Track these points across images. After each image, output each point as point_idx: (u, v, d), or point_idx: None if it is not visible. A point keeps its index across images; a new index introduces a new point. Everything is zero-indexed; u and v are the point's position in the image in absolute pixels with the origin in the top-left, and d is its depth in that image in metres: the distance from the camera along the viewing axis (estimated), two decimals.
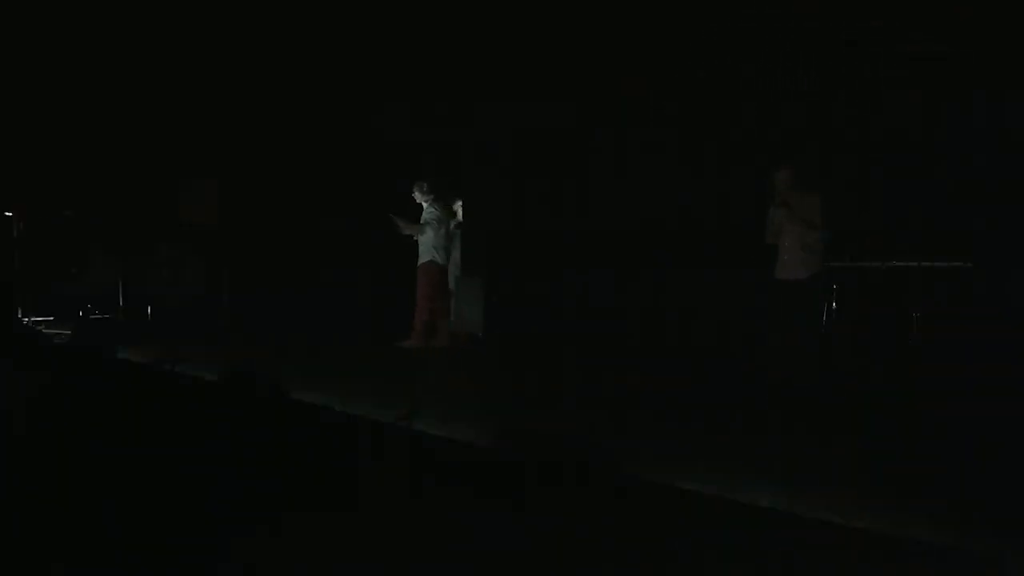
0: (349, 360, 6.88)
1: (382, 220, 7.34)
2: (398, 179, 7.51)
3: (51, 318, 9.12)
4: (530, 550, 2.12)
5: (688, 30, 7.16)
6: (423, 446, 3.27)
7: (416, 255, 7.27)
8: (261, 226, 10.31)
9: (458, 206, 7.98)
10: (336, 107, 9.71)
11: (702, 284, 7.42)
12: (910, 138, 6.24)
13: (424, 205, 7.29)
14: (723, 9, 6.94)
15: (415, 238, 7.24)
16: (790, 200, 5.41)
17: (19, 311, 8.91)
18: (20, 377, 4.56)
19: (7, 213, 9.05)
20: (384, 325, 7.49)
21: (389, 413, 3.72)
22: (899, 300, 6.17)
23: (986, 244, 5.81)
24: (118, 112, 9.53)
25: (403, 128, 9.05)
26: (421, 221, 7.22)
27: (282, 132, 9.94)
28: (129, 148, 9.71)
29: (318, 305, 9.74)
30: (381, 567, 2.17)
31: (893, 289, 6.24)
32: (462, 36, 8.32)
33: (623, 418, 4.43)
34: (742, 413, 4.60)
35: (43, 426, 3.69)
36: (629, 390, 5.46)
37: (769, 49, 6.73)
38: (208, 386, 4.37)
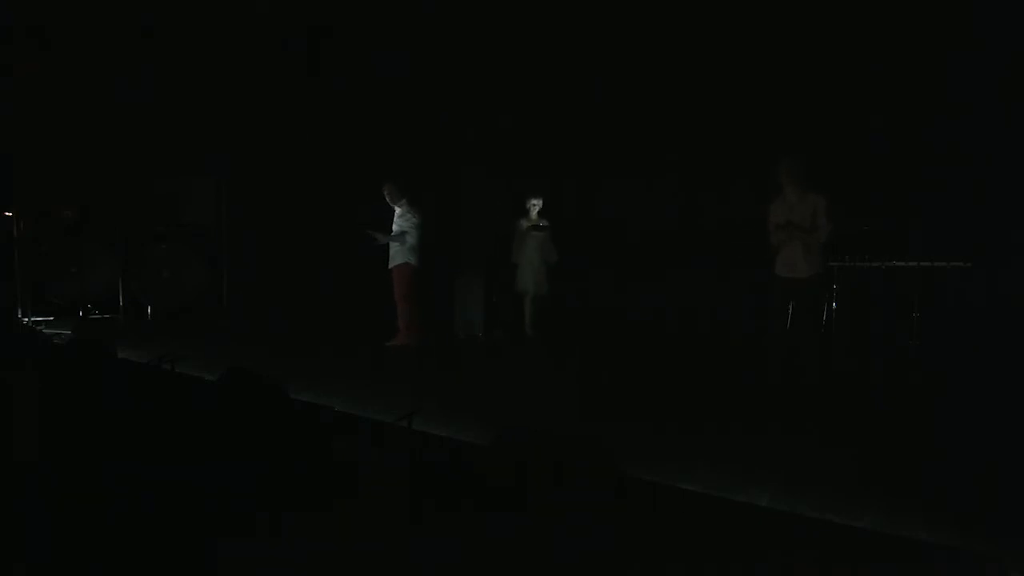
0: (349, 360, 6.88)
1: (362, 232, 7.34)
2: (396, 178, 7.49)
3: (51, 318, 9.12)
4: (530, 550, 2.12)
5: (688, 29, 7.15)
6: (423, 446, 3.27)
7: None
8: (261, 225, 10.30)
9: (533, 205, 7.73)
10: (335, 106, 9.71)
11: (702, 283, 7.42)
12: (910, 137, 6.24)
13: (396, 209, 7.27)
14: (724, 8, 6.94)
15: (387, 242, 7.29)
16: (791, 197, 5.40)
17: (19, 311, 8.90)
18: (20, 377, 4.56)
19: (7, 213, 9.04)
20: (384, 325, 7.49)
21: (389, 413, 3.71)
22: (899, 300, 6.17)
23: (986, 244, 5.81)
24: (118, 112, 9.53)
25: (402, 127, 9.05)
26: (396, 228, 7.21)
27: (282, 132, 9.93)
28: (129, 148, 9.70)
29: (318, 305, 9.74)
30: (382, 568, 2.17)
31: (893, 289, 6.24)
32: (461, 34, 8.32)
33: (623, 417, 4.43)
34: (742, 413, 4.60)
35: (43, 426, 3.69)
36: (629, 389, 5.46)
37: (769, 48, 6.73)
38: (208, 386, 4.37)
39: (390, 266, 7.25)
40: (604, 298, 8.15)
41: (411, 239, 7.17)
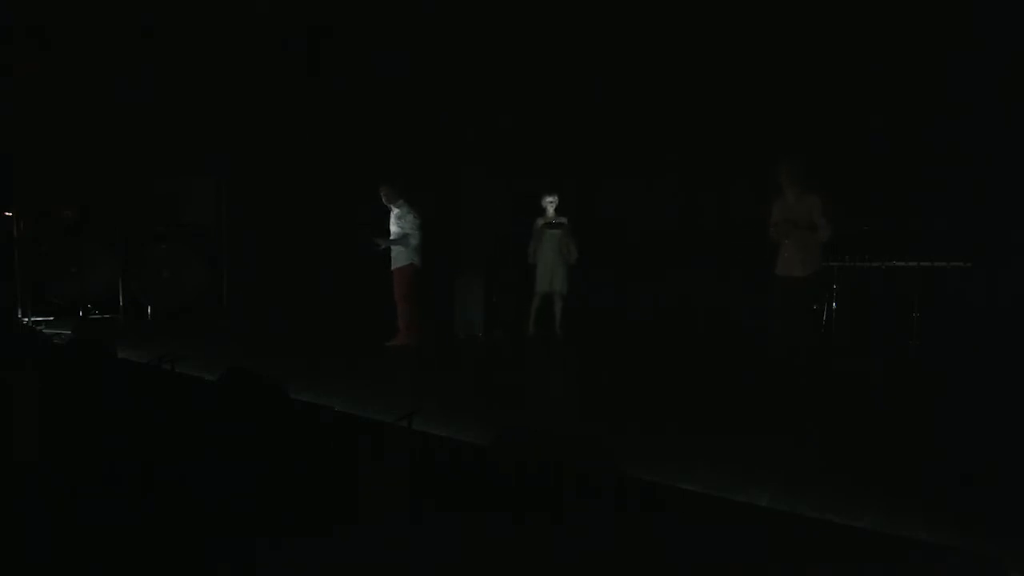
0: (349, 360, 6.88)
1: (366, 239, 7.31)
2: (396, 179, 7.48)
3: (51, 318, 9.12)
4: (530, 550, 2.12)
5: (688, 29, 7.16)
6: (423, 446, 3.27)
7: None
8: (261, 225, 10.30)
9: (549, 202, 7.64)
10: (335, 106, 9.71)
11: (701, 283, 7.43)
12: (910, 137, 6.24)
13: (395, 209, 7.20)
14: (724, 8, 6.94)
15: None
16: (790, 198, 5.44)
17: (19, 311, 8.90)
18: (20, 377, 4.56)
19: (7, 213, 9.04)
20: (384, 325, 7.49)
21: (389, 413, 3.72)
22: (899, 300, 6.17)
23: (986, 244, 5.81)
24: (118, 112, 9.53)
25: (402, 127, 9.05)
26: (397, 229, 7.15)
27: (282, 132, 9.93)
28: (129, 148, 9.70)
29: (318, 305, 9.75)
30: (382, 568, 2.17)
31: (893, 289, 6.24)
32: (461, 34, 8.32)
33: (623, 418, 4.43)
34: (742, 413, 4.60)
35: (43, 426, 3.69)
36: (629, 389, 5.46)
37: (769, 48, 6.73)
38: (208, 386, 4.37)
39: (393, 267, 7.22)
40: (604, 298, 8.15)
41: (414, 240, 7.16)
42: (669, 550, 2.13)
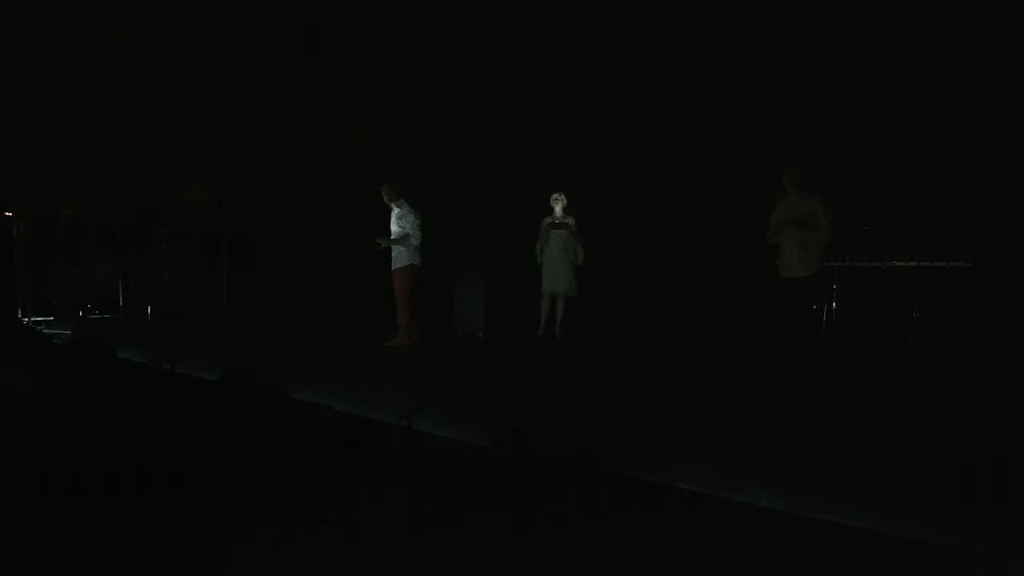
0: (349, 360, 6.88)
1: (367, 240, 7.29)
2: (393, 178, 7.48)
3: (51, 318, 9.12)
4: (531, 551, 2.12)
5: (690, 29, 7.16)
6: (423, 446, 3.27)
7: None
8: (261, 225, 10.31)
9: (555, 200, 7.54)
10: (336, 106, 9.71)
11: (701, 283, 7.43)
12: (910, 137, 6.24)
13: (396, 208, 7.16)
14: (726, 9, 6.94)
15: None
16: (793, 199, 5.46)
17: (19, 311, 8.90)
18: (20, 377, 4.56)
19: (7, 213, 9.04)
20: (384, 325, 7.49)
21: (390, 413, 3.72)
22: (899, 300, 6.18)
23: (986, 244, 5.82)
24: (118, 111, 9.53)
25: (402, 127, 9.05)
26: (398, 229, 7.13)
27: (282, 132, 9.94)
28: (129, 148, 9.71)
29: (318, 305, 9.75)
30: (382, 568, 2.17)
31: (893, 289, 6.24)
32: (463, 32, 8.32)
33: (623, 418, 4.43)
34: (742, 413, 4.60)
35: (44, 426, 3.69)
36: (629, 389, 5.46)
37: (770, 49, 6.74)
38: (208, 386, 4.37)
39: (394, 267, 7.21)
40: (604, 298, 8.15)
41: (415, 240, 7.14)
42: (669, 550, 2.13)
